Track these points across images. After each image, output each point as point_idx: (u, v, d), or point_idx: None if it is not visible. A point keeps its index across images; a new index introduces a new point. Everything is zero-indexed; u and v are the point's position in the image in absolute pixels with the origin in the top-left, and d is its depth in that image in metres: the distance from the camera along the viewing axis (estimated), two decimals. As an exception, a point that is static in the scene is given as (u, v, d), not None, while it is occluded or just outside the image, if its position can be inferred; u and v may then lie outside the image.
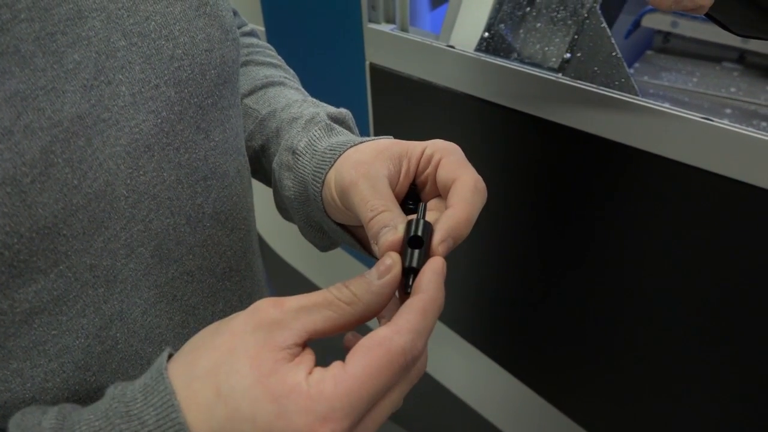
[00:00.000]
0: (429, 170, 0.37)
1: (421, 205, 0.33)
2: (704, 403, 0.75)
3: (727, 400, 0.73)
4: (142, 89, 0.33)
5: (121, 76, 0.32)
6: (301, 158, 0.41)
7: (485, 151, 0.80)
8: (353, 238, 0.43)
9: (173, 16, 0.35)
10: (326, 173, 0.39)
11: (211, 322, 0.30)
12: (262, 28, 1.04)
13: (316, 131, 0.42)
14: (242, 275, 0.44)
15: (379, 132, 0.95)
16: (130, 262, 0.35)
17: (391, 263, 0.30)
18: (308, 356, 0.28)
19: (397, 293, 0.31)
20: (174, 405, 0.27)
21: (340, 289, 0.29)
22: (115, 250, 0.34)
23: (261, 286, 0.49)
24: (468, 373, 1.07)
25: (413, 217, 0.33)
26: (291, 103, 0.47)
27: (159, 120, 0.35)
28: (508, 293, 0.92)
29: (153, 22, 0.34)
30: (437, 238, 0.32)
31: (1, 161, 0.27)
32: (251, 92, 0.50)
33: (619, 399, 0.85)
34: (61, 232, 0.30)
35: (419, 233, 0.31)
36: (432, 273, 0.30)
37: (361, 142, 0.39)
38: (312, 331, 0.28)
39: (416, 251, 0.31)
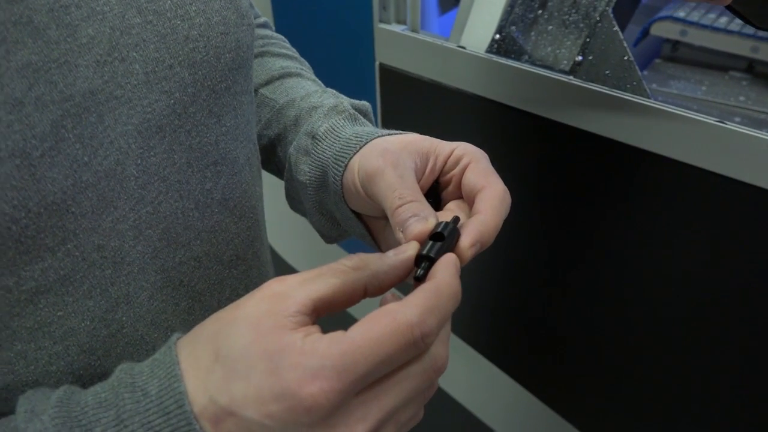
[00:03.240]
0: (455, 171, 0.37)
1: (454, 217, 0.33)
2: (715, 414, 0.74)
3: (739, 413, 0.72)
4: (156, 68, 0.33)
5: (135, 54, 0.32)
6: (321, 143, 0.41)
7: (495, 154, 0.79)
8: (364, 229, 0.42)
9: None
10: (350, 158, 0.38)
11: (216, 310, 0.29)
12: (269, 31, 1.04)
13: (339, 119, 0.42)
14: (249, 264, 0.44)
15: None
16: (137, 245, 0.34)
17: (409, 246, 0.29)
18: (314, 328, 0.27)
19: (412, 286, 0.31)
20: (176, 374, 0.26)
21: (350, 257, 0.29)
22: (123, 231, 0.33)
23: (268, 277, 0.48)
24: (468, 377, 1.06)
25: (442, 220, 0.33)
26: (310, 93, 0.47)
27: (172, 101, 0.34)
28: (514, 298, 0.91)
29: (169, 1, 0.33)
30: (467, 240, 0.32)
31: (11, 133, 0.27)
32: (267, 82, 0.50)
33: (622, 405, 0.84)
34: (69, 209, 0.30)
35: (444, 232, 0.31)
36: (447, 263, 0.29)
37: (389, 134, 0.39)
38: (316, 299, 0.27)
39: (437, 243, 0.30)
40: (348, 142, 0.40)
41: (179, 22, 0.34)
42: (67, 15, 0.29)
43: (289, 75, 0.51)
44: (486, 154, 0.38)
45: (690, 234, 0.66)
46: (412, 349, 0.26)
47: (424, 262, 0.30)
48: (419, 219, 0.32)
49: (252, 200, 0.43)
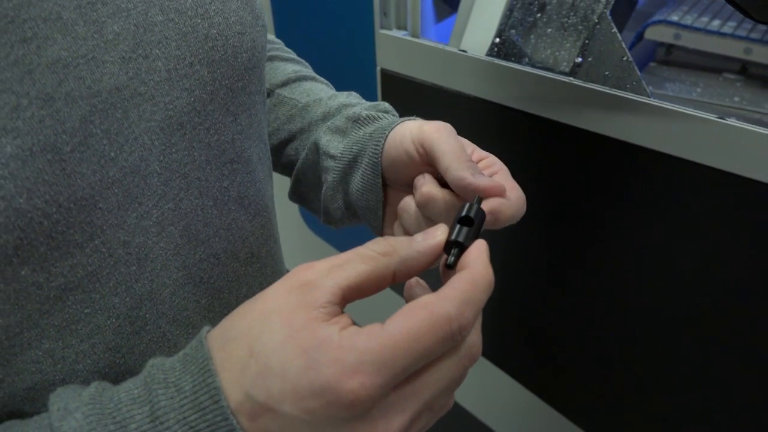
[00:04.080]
0: (486, 173, 0.39)
1: (477, 196, 0.34)
2: (718, 415, 0.75)
3: (742, 413, 0.72)
4: (178, 66, 0.33)
5: (157, 51, 0.32)
6: (363, 125, 0.44)
7: (499, 155, 0.80)
8: (381, 200, 0.44)
9: None
10: (400, 122, 0.42)
11: (234, 307, 0.30)
12: (272, 35, 1.05)
13: (381, 114, 0.45)
14: (263, 262, 0.44)
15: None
16: (160, 241, 0.34)
17: (438, 231, 0.30)
18: (345, 318, 0.27)
19: (442, 275, 0.31)
20: (210, 369, 0.26)
21: (377, 241, 0.29)
22: (147, 227, 0.33)
23: (282, 275, 0.48)
24: (471, 380, 1.06)
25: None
26: (336, 94, 0.50)
27: (192, 98, 0.35)
28: (514, 297, 0.92)
29: (190, 0, 0.34)
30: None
31: (42, 128, 0.27)
32: (284, 84, 0.53)
33: (626, 406, 0.84)
34: (97, 204, 0.30)
35: (472, 215, 0.31)
36: (480, 250, 0.29)
37: None
38: (345, 287, 0.27)
39: (465, 228, 0.30)
40: (395, 120, 0.43)
41: (199, 21, 0.34)
42: (94, 12, 0.29)
43: (305, 78, 0.53)
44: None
45: (694, 232, 0.67)
46: (450, 342, 0.26)
47: (454, 248, 0.30)
48: (486, 181, 0.35)
49: (265, 198, 0.44)
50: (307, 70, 0.56)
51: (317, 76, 0.55)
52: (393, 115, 0.46)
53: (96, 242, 0.31)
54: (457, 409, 1.13)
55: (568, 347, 0.87)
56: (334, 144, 0.45)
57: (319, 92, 0.51)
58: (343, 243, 1.24)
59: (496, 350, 0.99)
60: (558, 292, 0.85)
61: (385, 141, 0.42)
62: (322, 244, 1.29)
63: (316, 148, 0.48)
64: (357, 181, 0.44)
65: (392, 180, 0.43)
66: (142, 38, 0.32)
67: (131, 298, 0.33)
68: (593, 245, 0.77)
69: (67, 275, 0.30)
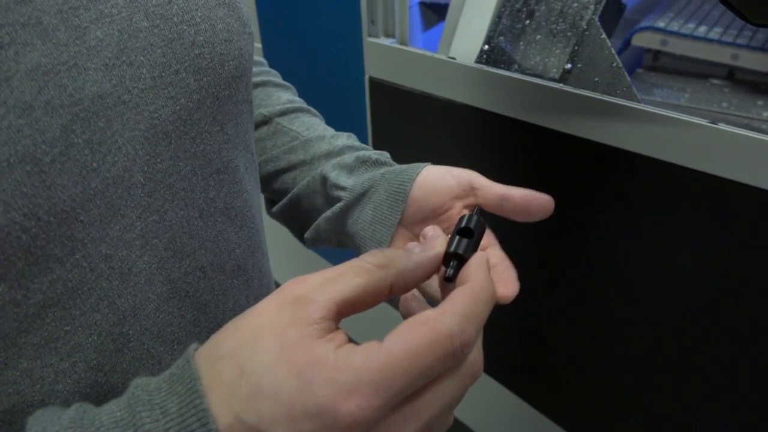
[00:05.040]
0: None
1: (477, 207, 0.33)
2: (710, 421, 0.74)
3: (734, 420, 0.72)
4: (163, 73, 0.32)
5: (142, 58, 0.31)
6: (370, 165, 0.48)
7: (488, 162, 0.80)
8: (388, 243, 0.46)
9: (195, 2, 0.34)
10: (425, 166, 0.45)
11: (221, 321, 0.28)
12: (259, 45, 1.04)
13: (383, 157, 0.49)
14: (249, 275, 0.43)
15: (378, 145, 0.95)
16: (144, 254, 0.33)
17: (437, 242, 0.29)
18: (341, 335, 0.26)
19: (440, 288, 0.30)
20: (198, 390, 0.25)
21: (374, 253, 0.28)
22: (130, 240, 0.32)
23: (270, 288, 0.47)
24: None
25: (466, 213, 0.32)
26: (336, 135, 0.53)
27: (177, 107, 0.34)
28: (508, 306, 0.91)
29: (176, 6, 0.33)
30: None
31: (20, 138, 0.26)
32: (282, 113, 0.54)
33: (617, 412, 0.84)
34: (78, 217, 0.29)
35: (471, 226, 0.30)
36: (480, 263, 0.28)
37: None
38: (340, 301, 0.26)
39: (465, 239, 0.29)
40: (411, 165, 0.46)
41: (185, 28, 0.34)
42: (76, 17, 0.28)
43: (301, 110, 0.56)
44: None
45: (686, 237, 0.67)
46: (451, 360, 0.25)
47: (453, 260, 0.29)
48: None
49: (252, 209, 0.43)
50: (300, 100, 0.58)
51: (310, 108, 0.58)
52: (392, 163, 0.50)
53: (77, 256, 0.29)
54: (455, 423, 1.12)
55: (558, 354, 0.87)
56: (342, 178, 0.48)
57: (320, 129, 0.54)
58: (335, 255, 1.23)
59: (486, 357, 0.98)
60: (549, 299, 0.84)
61: (414, 180, 0.44)
62: (314, 257, 1.28)
63: (323, 180, 0.50)
64: (367, 213, 0.46)
65: (407, 217, 0.45)
66: (126, 45, 0.31)
67: (113, 314, 0.32)
68: (584, 251, 0.77)
69: (46, 291, 0.29)
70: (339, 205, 0.48)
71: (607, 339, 0.80)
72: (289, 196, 0.53)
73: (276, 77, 0.60)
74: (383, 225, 0.45)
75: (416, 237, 0.45)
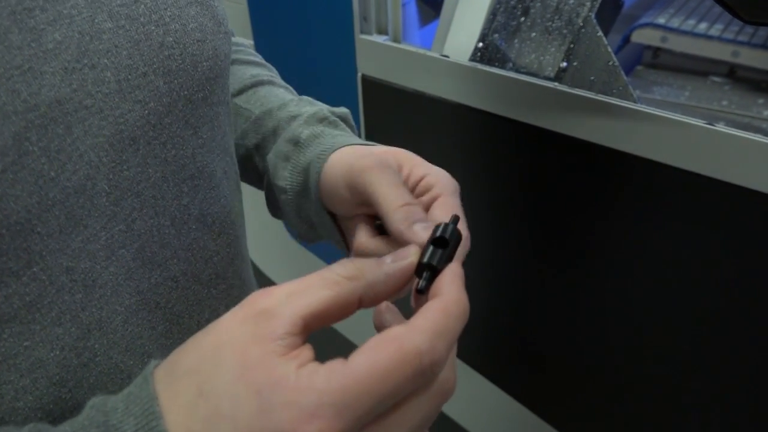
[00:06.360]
0: (424, 199, 0.36)
1: (453, 215, 0.31)
2: (705, 422, 0.73)
3: (731, 427, 0.71)
4: (129, 76, 0.31)
5: (106, 61, 0.30)
6: (303, 149, 0.41)
7: (481, 162, 0.79)
8: (338, 231, 0.42)
9: (164, 1, 0.33)
10: (329, 154, 0.39)
11: (196, 332, 0.27)
12: (251, 41, 1.02)
13: (320, 126, 0.42)
14: (229, 283, 0.41)
15: (371, 145, 0.94)
16: (110, 266, 0.32)
17: (409, 251, 0.27)
18: (306, 352, 0.24)
19: (412, 301, 0.29)
20: (154, 412, 0.24)
21: (343, 263, 0.26)
22: (94, 251, 0.31)
23: (251, 295, 0.46)
24: (462, 393, 1.04)
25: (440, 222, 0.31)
26: (287, 102, 0.47)
27: (146, 111, 0.32)
28: (504, 308, 0.90)
29: (142, 6, 0.32)
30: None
31: None
32: (240, 92, 0.50)
33: (610, 413, 0.83)
34: (35, 229, 0.28)
35: (447, 236, 0.29)
36: (453, 275, 0.27)
37: (371, 144, 0.40)
38: (306, 315, 0.24)
39: (439, 250, 0.28)
40: (332, 145, 0.40)
41: (153, 28, 0.32)
42: (31, 18, 0.27)
43: (261, 83, 0.50)
44: (458, 188, 0.36)
45: (681, 240, 0.65)
46: (420, 379, 0.24)
47: (426, 272, 0.27)
48: (426, 226, 0.31)
49: (231, 215, 0.42)
50: (267, 73, 0.53)
51: (275, 80, 0.52)
52: (342, 129, 0.44)
53: (34, 269, 0.28)
54: (439, 416, 1.11)
55: (552, 355, 0.86)
56: (280, 172, 0.43)
57: (273, 101, 0.48)
58: (333, 255, 1.21)
59: (479, 358, 0.97)
60: (543, 300, 0.83)
61: (319, 178, 0.39)
62: (308, 255, 1.27)
63: (270, 176, 0.45)
64: (312, 213, 0.43)
65: (341, 212, 0.41)
66: (88, 47, 0.29)
67: (77, 328, 0.31)
68: (578, 253, 0.76)
69: (1, 306, 0.27)
70: (287, 210, 0.45)
71: (604, 341, 0.79)
72: (265, 196, 0.49)
73: (247, 54, 0.56)
74: (322, 225, 0.43)
75: (371, 218, 0.40)
